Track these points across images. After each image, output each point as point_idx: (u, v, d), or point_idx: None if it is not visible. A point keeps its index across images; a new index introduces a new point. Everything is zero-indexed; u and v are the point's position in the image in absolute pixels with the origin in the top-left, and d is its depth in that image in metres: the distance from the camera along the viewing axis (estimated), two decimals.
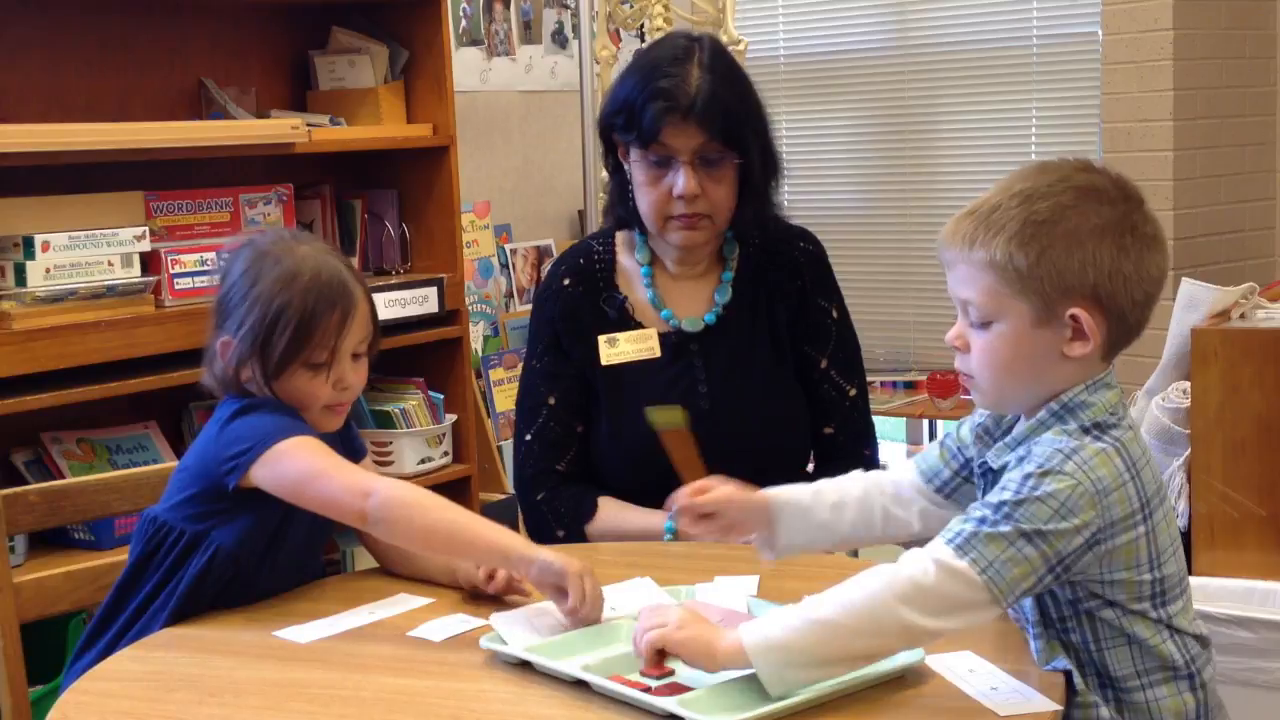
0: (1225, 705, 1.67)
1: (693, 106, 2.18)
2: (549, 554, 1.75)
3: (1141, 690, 1.58)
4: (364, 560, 2.31)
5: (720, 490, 1.83)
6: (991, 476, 1.62)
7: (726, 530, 1.85)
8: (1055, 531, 1.48)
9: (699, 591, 1.83)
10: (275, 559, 1.92)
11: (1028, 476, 1.50)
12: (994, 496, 1.51)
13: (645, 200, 2.26)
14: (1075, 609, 1.58)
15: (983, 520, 1.49)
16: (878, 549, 2.12)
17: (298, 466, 1.82)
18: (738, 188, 2.25)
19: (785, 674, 1.48)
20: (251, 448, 1.83)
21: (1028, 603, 1.61)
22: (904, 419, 4.96)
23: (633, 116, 2.22)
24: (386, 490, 1.79)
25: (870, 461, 2.40)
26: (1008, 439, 1.62)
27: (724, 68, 2.24)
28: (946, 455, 1.78)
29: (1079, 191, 1.55)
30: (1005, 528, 1.47)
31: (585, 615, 1.71)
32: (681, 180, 2.21)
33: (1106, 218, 1.54)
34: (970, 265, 1.57)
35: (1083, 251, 1.53)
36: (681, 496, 1.84)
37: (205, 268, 3.01)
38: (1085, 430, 1.55)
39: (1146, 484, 1.55)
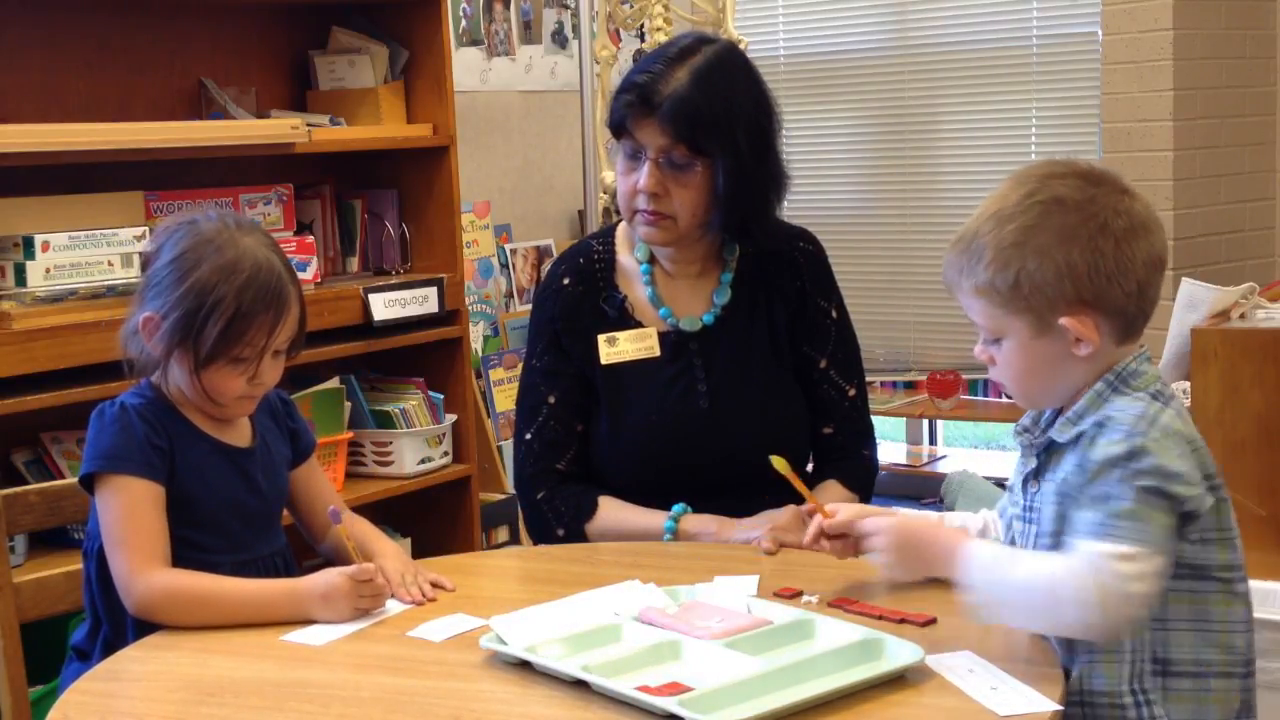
0: None
1: (659, 106, 2.17)
2: (322, 578, 1.84)
3: (1192, 678, 1.61)
4: None
5: (849, 511, 1.86)
6: (1055, 450, 1.66)
7: (851, 548, 1.86)
8: (1174, 491, 1.55)
9: (699, 591, 1.83)
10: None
11: (1128, 454, 1.55)
12: (1097, 486, 1.56)
13: (619, 189, 2.27)
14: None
15: (1106, 499, 1.55)
16: None
17: (107, 519, 1.88)
18: (713, 194, 2.22)
19: (994, 613, 1.61)
20: (93, 466, 1.89)
21: None
22: (904, 419, 4.97)
23: (612, 103, 2.25)
24: (144, 590, 1.83)
25: (869, 462, 2.40)
26: (1069, 414, 1.65)
27: (717, 75, 2.20)
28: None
29: (1043, 206, 1.61)
30: (1133, 497, 1.54)
31: (379, 583, 1.86)
32: (643, 176, 2.21)
33: (1072, 226, 1.60)
34: (965, 294, 1.67)
35: (1055, 264, 1.60)
36: (802, 519, 1.92)
37: None
38: (1153, 397, 1.61)
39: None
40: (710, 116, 2.18)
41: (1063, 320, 1.60)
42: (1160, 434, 1.57)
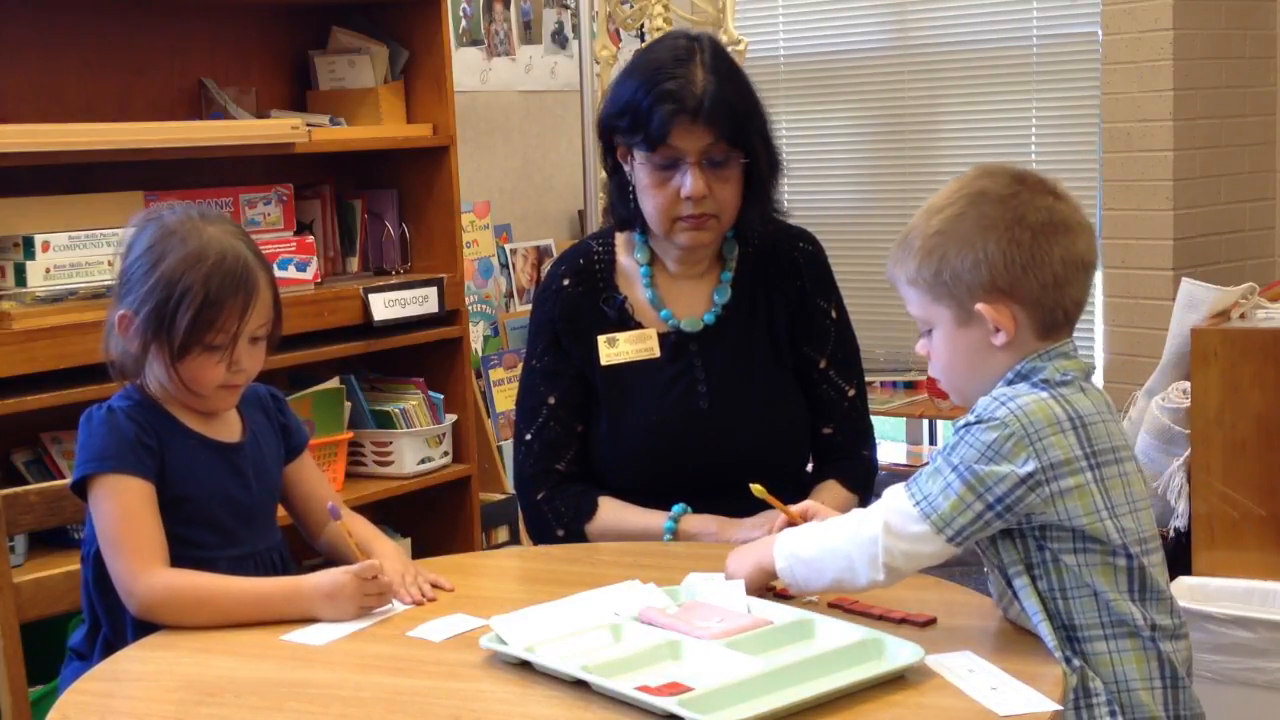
0: (1223, 707, 1.69)
1: (700, 107, 2.18)
2: (327, 576, 1.84)
3: (1104, 640, 1.64)
4: None
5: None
6: None
7: None
8: (985, 472, 1.60)
9: (697, 590, 1.83)
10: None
11: (965, 424, 1.64)
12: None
13: (651, 203, 2.25)
14: (1043, 555, 1.65)
15: (930, 460, 1.66)
16: None
17: (103, 521, 1.88)
18: (745, 185, 2.25)
19: (794, 575, 1.74)
20: (85, 469, 1.89)
21: (1005, 552, 1.68)
22: (904, 419, 4.95)
23: (639, 119, 2.21)
24: (146, 591, 1.83)
25: (869, 462, 2.40)
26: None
27: (726, 67, 2.23)
28: None
29: (969, 198, 1.69)
30: (940, 464, 1.63)
31: (384, 581, 1.86)
32: (689, 182, 2.20)
33: (992, 217, 1.67)
34: (901, 285, 1.75)
35: (974, 252, 1.67)
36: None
37: None
38: (1032, 386, 1.66)
39: (1095, 439, 1.65)
40: (741, 107, 2.22)
41: (979, 306, 1.67)
42: (1009, 412, 1.62)
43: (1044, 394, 1.64)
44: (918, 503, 1.64)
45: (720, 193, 2.23)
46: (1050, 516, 1.62)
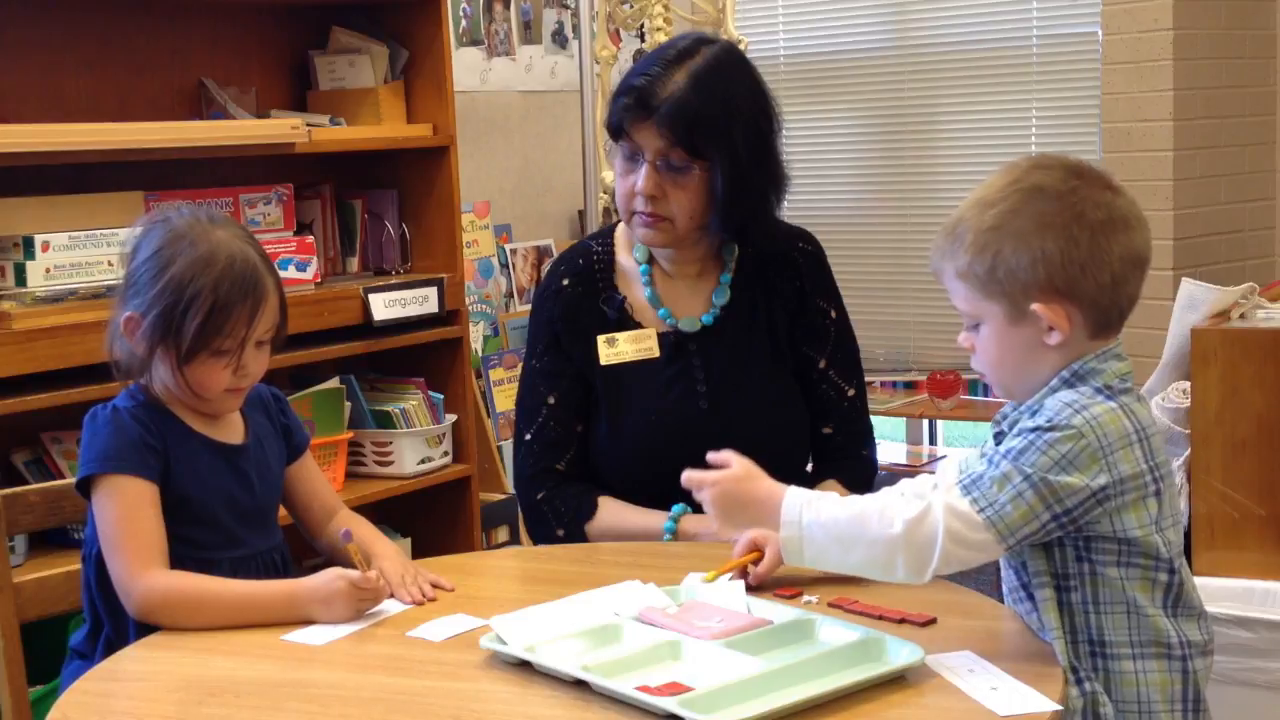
0: (1223, 707, 1.68)
1: (656, 110, 2.17)
2: (322, 580, 1.83)
3: (1132, 660, 1.62)
4: None
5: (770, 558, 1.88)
6: (1004, 436, 1.68)
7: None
8: (1058, 483, 1.56)
9: (697, 590, 1.83)
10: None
11: (1036, 429, 1.59)
12: (1004, 445, 1.61)
13: (617, 190, 2.28)
14: (1081, 566, 1.63)
15: (990, 463, 1.60)
16: None
17: (104, 521, 1.88)
18: (711, 196, 2.22)
19: (804, 549, 1.64)
20: (89, 469, 1.89)
21: (1032, 561, 1.66)
22: (904, 419, 4.95)
23: (612, 106, 2.25)
24: (145, 592, 1.83)
25: (868, 462, 2.40)
26: (1023, 407, 1.68)
27: (715, 77, 2.20)
28: (979, 455, 1.82)
29: (1025, 193, 1.64)
30: (1008, 469, 1.57)
31: (379, 587, 1.86)
32: (639, 179, 2.21)
33: (1050, 214, 1.62)
34: (948, 279, 1.69)
35: (1030, 250, 1.62)
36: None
37: None
38: (1097, 390, 1.62)
39: (1155, 452, 1.62)
40: (708, 119, 2.18)
41: (1034, 306, 1.62)
42: (1085, 421, 1.58)
43: (1112, 404, 1.61)
44: (982, 509, 1.57)
45: (675, 198, 2.22)
46: (1104, 528, 1.60)
